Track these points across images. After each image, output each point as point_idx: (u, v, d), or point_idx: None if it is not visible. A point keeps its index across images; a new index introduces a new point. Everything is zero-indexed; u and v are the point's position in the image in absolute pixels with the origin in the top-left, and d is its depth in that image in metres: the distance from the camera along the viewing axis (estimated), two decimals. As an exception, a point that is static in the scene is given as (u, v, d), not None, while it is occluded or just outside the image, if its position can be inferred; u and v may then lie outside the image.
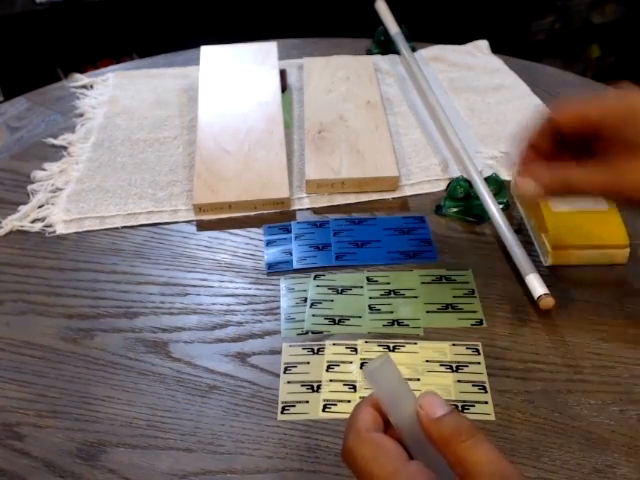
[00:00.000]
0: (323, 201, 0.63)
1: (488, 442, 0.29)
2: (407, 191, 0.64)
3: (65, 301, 0.54)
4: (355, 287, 0.53)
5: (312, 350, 0.48)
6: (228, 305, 0.53)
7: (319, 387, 0.46)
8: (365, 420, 0.31)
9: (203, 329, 0.51)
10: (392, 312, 0.51)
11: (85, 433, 0.44)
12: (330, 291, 0.53)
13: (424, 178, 0.65)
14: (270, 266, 0.56)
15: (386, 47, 0.86)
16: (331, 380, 0.46)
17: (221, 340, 0.50)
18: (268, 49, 0.80)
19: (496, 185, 0.60)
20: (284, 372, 0.47)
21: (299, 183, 0.65)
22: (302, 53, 0.84)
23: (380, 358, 0.32)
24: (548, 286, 0.50)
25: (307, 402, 0.45)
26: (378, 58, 0.85)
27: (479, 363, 0.47)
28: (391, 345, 0.48)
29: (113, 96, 0.80)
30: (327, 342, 0.49)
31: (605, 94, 0.45)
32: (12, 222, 0.61)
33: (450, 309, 0.51)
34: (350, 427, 0.32)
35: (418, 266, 0.55)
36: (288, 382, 0.46)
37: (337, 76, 0.78)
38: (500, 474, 0.28)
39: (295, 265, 0.56)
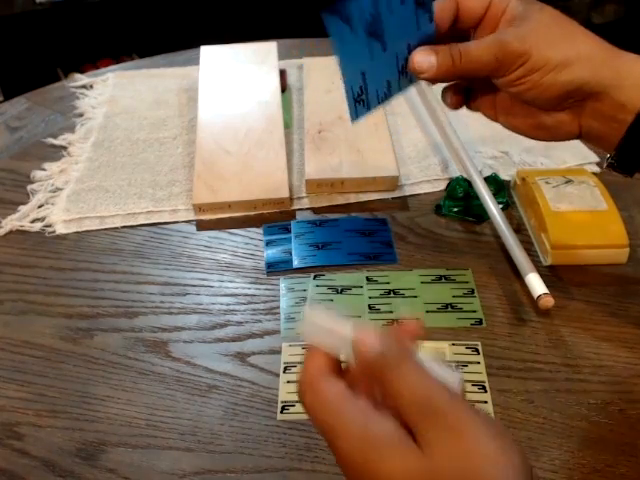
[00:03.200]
0: (323, 201, 0.63)
1: (416, 369, 0.28)
2: (407, 191, 0.64)
3: (65, 301, 0.54)
4: (355, 287, 0.53)
5: (312, 350, 0.48)
6: (228, 305, 0.53)
7: (319, 387, 0.46)
8: (312, 364, 0.30)
9: (203, 329, 0.51)
10: (392, 312, 0.51)
11: (85, 433, 0.44)
12: (330, 291, 0.53)
13: (424, 178, 0.65)
14: (270, 266, 0.56)
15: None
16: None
17: (221, 340, 0.50)
18: (268, 49, 0.80)
19: (496, 185, 0.60)
20: (284, 372, 0.47)
21: (299, 183, 0.65)
22: (302, 53, 0.84)
23: (305, 311, 0.31)
24: (548, 286, 0.50)
25: (307, 402, 0.45)
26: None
27: (479, 363, 0.47)
28: (391, 345, 0.48)
29: (113, 96, 0.80)
30: (327, 342, 0.49)
31: None
32: (12, 222, 0.61)
33: (450, 309, 0.51)
34: (302, 376, 0.30)
35: (418, 266, 0.55)
36: (288, 382, 0.46)
37: (337, 76, 0.77)
38: (425, 399, 0.26)
39: (295, 265, 0.56)
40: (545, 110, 0.43)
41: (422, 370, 0.28)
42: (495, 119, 0.48)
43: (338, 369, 0.30)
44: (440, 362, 0.29)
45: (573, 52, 0.40)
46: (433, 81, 0.45)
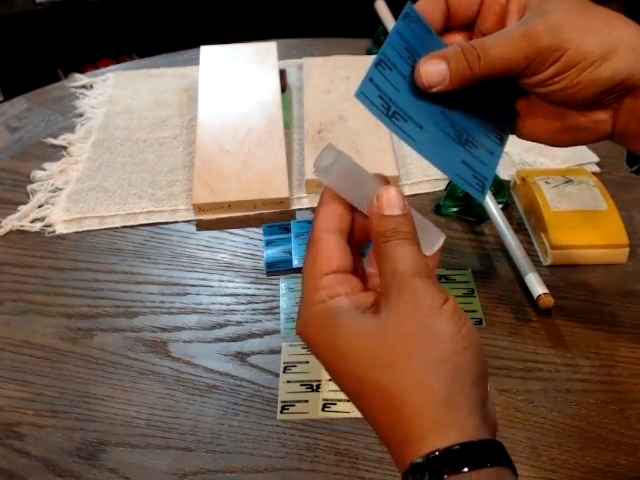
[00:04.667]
0: (323, 201, 0.63)
1: (414, 250, 0.29)
2: (407, 191, 0.64)
3: (65, 301, 0.54)
4: (355, 287, 0.53)
5: (312, 350, 0.48)
6: (228, 305, 0.53)
7: (318, 386, 0.46)
8: (323, 218, 0.30)
9: (203, 329, 0.51)
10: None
11: (85, 432, 0.44)
12: (330, 291, 0.53)
13: (424, 178, 0.65)
14: (270, 266, 0.56)
15: (386, 47, 0.86)
16: (331, 379, 0.46)
17: (220, 339, 0.50)
18: (268, 49, 0.80)
19: (496, 185, 0.60)
20: (284, 371, 0.47)
21: (299, 183, 0.65)
22: (302, 53, 0.84)
23: (330, 151, 0.30)
24: (547, 286, 0.50)
25: (306, 401, 0.45)
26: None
27: (478, 363, 0.47)
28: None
29: (113, 96, 0.80)
30: (327, 342, 0.49)
31: None
32: (12, 222, 0.61)
33: (450, 309, 0.51)
34: (312, 224, 0.31)
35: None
36: (288, 381, 0.46)
37: (337, 76, 0.78)
38: (400, 274, 0.28)
39: (295, 265, 0.56)
40: (577, 110, 0.37)
41: (415, 254, 0.28)
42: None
43: (345, 228, 0.31)
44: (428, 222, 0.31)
45: (612, 42, 0.34)
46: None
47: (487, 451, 0.25)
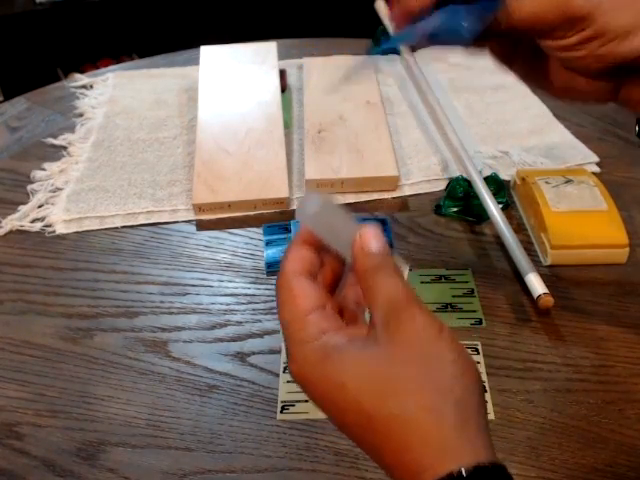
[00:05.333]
0: (323, 201, 0.63)
1: (403, 280, 0.29)
2: (407, 191, 0.64)
3: (65, 301, 0.54)
4: (355, 287, 0.53)
5: (312, 350, 0.48)
6: (228, 305, 0.53)
7: (318, 386, 0.46)
8: (293, 261, 0.31)
9: (203, 329, 0.51)
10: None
11: (84, 432, 0.44)
12: (330, 291, 0.53)
13: (424, 178, 0.65)
14: (270, 265, 0.56)
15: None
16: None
17: (220, 339, 0.50)
18: (268, 49, 0.80)
19: (495, 185, 0.60)
20: (284, 371, 0.47)
21: (299, 183, 0.65)
22: (302, 53, 0.84)
23: (314, 197, 0.31)
24: (547, 286, 0.50)
25: (307, 401, 0.45)
26: (378, 58, 0.85)
27: (478, 362, 0.47)
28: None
29: (113, 96, 0.80)
30: (327, 342, 0.49)
31: None
32: (12, 222, 0.61)
33: (449, 309, 0.51)
34: (280, 268, 0.31)
35: (418, 266, 0.55)
36: (288, 381, 0.46)
37: (337, 76, 0.78)
38: (399, 303, 0.28)
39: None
40: (585, 77, 0.38)
41: (406, 284, 0.29)
42: (509, 67, 0.41)
43: (315, 266, 0.32)
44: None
45: (637, 19, 0.34)
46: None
47: (498, 474, 0.25)
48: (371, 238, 0.30)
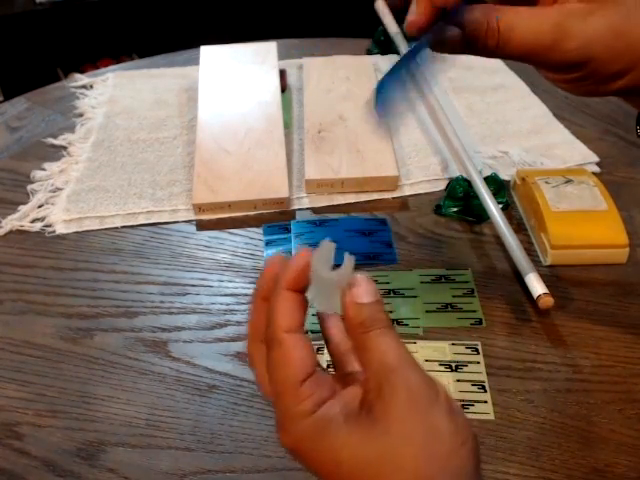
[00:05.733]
0: (323, 201, 0.63)
1: (396, 338, 0.27)
2: (407, 191, 0.64)
3: (65, 301, 0.54)
4: (355, 287, 0.53)
5: (311, 350, 0.48)
6: (228, 305, 0.53)
7: (318, 386, 0.46)
8: (286, 314, 0.28)
9: (203, 328, 0.51)
10: (391, 312, 0.51)
11: (84, 432, 0.44)
12: (330, 291, 0.53)
13: (424, 178, 0.65)
14: (270, 266, 0.56)
15: (386, 47, 0.86)
16: None
17: (220, 339, 0.50)
18: (268, 49, 0.80)
19: (495, 185, 0.60)
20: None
21: (299, 183, 0.65)
22: (302, 53, 0.84)
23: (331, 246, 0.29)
24: (547, 286, 0.50)
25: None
26: (378, 58, 0.85)
27: (478, 362, 0.47)
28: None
29: (113, 96, 0.80)
30: (326, 342, 0.49)
31: None
32: (12, 222, 0.61)
33: (449, 309, 0.51)
34: (269, 320, 0.28)
35: (418, 266, 0.55)
36: (287, 382, 0.46)
37: (337, 76, 0.78)
38: (392, 368, 0.26)
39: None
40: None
41: (399, 343, 0.27)
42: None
43: (305, 320, 0.29)
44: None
45: (628, 65, 0.34)
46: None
47: None
48: (363, 287, 0.28)
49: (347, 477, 0.26)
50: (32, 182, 0.66)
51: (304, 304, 0.29)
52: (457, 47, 0.35)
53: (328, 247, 0.29)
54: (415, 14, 0.36)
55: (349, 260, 0.28)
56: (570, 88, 0.37)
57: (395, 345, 0.27)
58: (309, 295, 0.29)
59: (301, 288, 0.29)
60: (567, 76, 0.35)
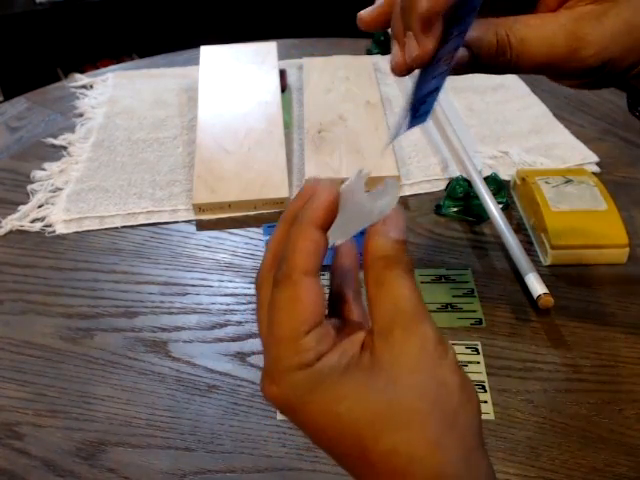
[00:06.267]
0: (323, 201, 0.63)
1: (415, 286, 0.26)
2: (407, 191, 0.64)
3: (65, 301, 0.54)
4: (355, 287, 0.53)
5: (311, 350, 0.48)
6: (228, 305, 0.53)
7: (318, 386, 0.46)
8: (307, 255, 0.25)
9: (203, 328, 0.51)
10: (391, 312, 0.51)
11: (84, 432, 0.44)
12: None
13: (424, 178, 0.65)
14: (270, 266, 0.56)
15: (386, 47, 0.86)
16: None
17: (221, 339, 0.50)
18: (268, 49, 0.80)
19: (495, 185, 0.60)
20: (283, 371, 0.47)
21: (299, 183, 0.65)
22: (302, 53, 0.84)
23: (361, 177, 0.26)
24: (547, 286, 0.50)
25: (306, 401, 0.45)
26: (378, 58, 0.85)
27: (478, 362, 0.47)
28: (390, 345, 0.48)
29: (113, 96, 0.80)
30: (326, 342, 0.49)
31: None
32: (12, 222, 0.61)
33: (449, 309, 0.51)
34: (286, 259, 0.25)
35: (417, 266, 0.55)
36: (287, 381, 0.46)
37: (337, 76, 0.78)
38: (408, 313, 0.25)
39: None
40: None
41: (417, 292, 0.26)
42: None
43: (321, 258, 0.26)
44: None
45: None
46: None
47: None
48: (398, 220, 0.26)
49: (347, 431, 0.24)
50: (32, 182, 0.66)
51: (326, 247, 0.26)
52: (468, 68, 0.34)
53: (361, 176, 0.26)
54: (399, 55, 0.33)
55: (392, 186, 0.26)
56: (582, 87, 0.35)
57: (414, 291, 0.25)
58: (330, 231, 0.26)
59: (327, 226, 0.26)
60: (582, 81, 0.34)
